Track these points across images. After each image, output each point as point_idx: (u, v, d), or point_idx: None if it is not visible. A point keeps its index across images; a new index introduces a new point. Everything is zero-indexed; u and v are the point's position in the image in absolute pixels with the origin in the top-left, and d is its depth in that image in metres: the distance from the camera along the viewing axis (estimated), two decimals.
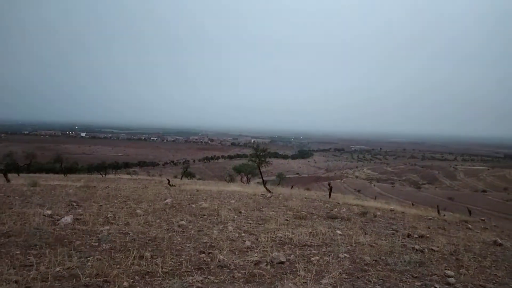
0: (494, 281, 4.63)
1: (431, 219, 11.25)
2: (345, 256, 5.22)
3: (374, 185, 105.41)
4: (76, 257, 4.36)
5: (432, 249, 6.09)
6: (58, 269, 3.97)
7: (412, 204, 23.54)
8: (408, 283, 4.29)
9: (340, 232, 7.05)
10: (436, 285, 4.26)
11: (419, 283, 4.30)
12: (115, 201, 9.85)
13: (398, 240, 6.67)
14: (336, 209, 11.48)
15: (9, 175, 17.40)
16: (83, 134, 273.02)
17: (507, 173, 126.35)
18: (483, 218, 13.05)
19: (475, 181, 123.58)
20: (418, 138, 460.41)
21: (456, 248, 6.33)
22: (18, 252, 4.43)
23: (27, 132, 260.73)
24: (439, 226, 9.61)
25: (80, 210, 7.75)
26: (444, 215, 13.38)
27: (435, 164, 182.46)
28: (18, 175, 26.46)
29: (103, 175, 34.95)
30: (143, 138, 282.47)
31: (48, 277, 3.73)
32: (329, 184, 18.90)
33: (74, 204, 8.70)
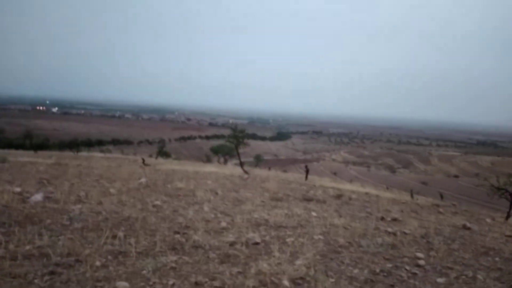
0: (461, 263, 4.77)
1: (405, 203, 11.53)
2: (319, 238, 5.28)
3: (350, 168, 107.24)
4: (46, 236, 4.24)
5: (404, 232, 6.23)
6: (28, 247, 3.85)
7: (387, 187, 24.08)
8: (379, 264, 4.38)
9: (315, 214, 7.12)
10: (407, 267, 4.36)
11: (390, 265, 4.39)
12: (88, 179, 9.66)
13: (372, 223, 6.79)
14: (312, 191, 11.60)
15: None
16: (54, 110, 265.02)
17: (479, 159, 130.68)
18: (454, 203, 13.48)
19: (448, 166, 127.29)
20: (396, 122, 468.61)
21: (427, 231, 6.49)
22: None
23: None
24: (412, 209, 9.86)
25: (51, 188, 7.55)
26: (417, 199, 13.73)
27: (411, 148, 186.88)
28: None
29: (75, 153, 34.24)
30: (117, 115, 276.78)
31: (17, 256, 3.61)
32: (305, 167, 19.08)
33: (45, 181, 8.48)
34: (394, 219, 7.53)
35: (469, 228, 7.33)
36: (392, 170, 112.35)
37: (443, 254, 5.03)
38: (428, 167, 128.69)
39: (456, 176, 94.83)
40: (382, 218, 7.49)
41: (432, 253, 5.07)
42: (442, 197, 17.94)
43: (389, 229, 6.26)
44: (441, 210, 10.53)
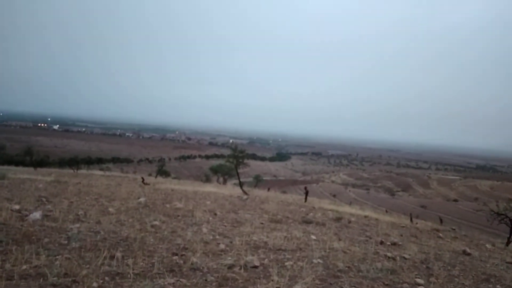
0: None
1: (404, 226, 11.46)
2: (318, 262, 5.23)
3: (349, 190, 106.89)
4: (44, 255, 4.20)
5: (404, 257, 6.18)
6: (24, 267, 3.82)
7: (386, 211, 23.95)
8: None
9: (314, 237, 7.08)
10: None
11: None
12: (87, 198, 9.63)
13: (371, 247, 6.74)
14: (311, 213, 11.55)
15: None
16: (55, 127, 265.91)
17: (478, 183, 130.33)
18: (453, 227, 13.39)
19: (448, 190, 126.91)
20: (394, 145, 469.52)
21: (427, 257, 6.44)
22: None
23: None
24: (412, 234, 9.79)
25: (50, 206, 7.52)
26: (417, 223, 13.65)
27: (410, 172, 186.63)
28: None
29: (75, 170, 34.20)
30: (118, 133, 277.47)
31: (14, 276, 3.58)
32: (305, 188, 19.03)
33: (44, 199, 8.46)
34: (394, 244, 7.48)
35: (469, 254, 7.28)
36: (392, 193, 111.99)
37: (444, 280, 4.98)
38: (427, 191, 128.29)
39: (455, 200, 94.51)
40: (382, 242, 7.44)
41: (432, 279, 5.03)
42: (441, 221, 17.83)
43: (389, 254, 6.22)
44: (440, 234, 10.47)
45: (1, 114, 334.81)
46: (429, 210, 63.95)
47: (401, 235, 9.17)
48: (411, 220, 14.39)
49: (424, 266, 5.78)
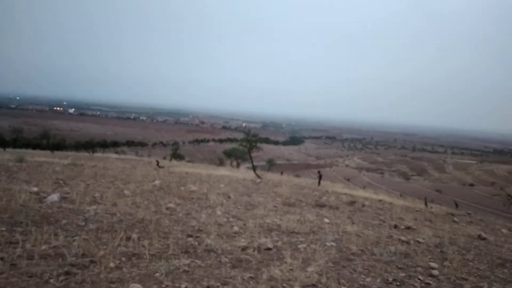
0: (476, 274, 4.69)
1: (418, 211, 11.39)
2: (331, 245, 5.25)
3: (363, 174, 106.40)
4: (62, 236, 4.31)
5: (417, 240, 6.16)
6: (44, 247, 3.92)
7: (400, 195, 23.82)
8: (392, 273, 4.33)
9: (327, 221, 7.09)
10: (420, 277, 4.31)
11: (404, 274, 4.35)
12: (103, 180, 9.78)
13: (385, 231, 6.73)
14: (324, 197, 11.55)
15: None
16: (71, 111, 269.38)
17: (495, 168, 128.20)
18: (469, 212, 13.24)
19: (464, 174, 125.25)
20: (410, 129, 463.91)
21: (441, 241, 6.40)
22: (3, 229, 4.37)
23: (14, 106, 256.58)
24: (426, 218, 9.73)
25: (67, 189, 7.67)
26: (431, 207, 13.54)
27: (425, 156, 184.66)
28: (4, 149, 26.17)
29: (91, 153, 34.71)
30: (132, 117, 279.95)
31: (34, 255, 3.68)
32: (318, 172, 19.00)
33: (61, 182, 8.62)
34: (408, 228, 7.45)
35: (484, 239, 7.21)
36: (406, 177, 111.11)
37: (458, 265, 4.95)
38: (443, 175, 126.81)
39: (471, 185, 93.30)
40: (396, 226, 7.42)
41: (446, 263, 5.00)
42: (457, 205, 17.65)
43: (403, 238, 6.20)
44: (455, 219, 10.37)
45: (18, 98, 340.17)
46: (445, 194, 63.37)
47: (416, 219, 9.12)
48: (425, 204, 14.28)
49: (438, 250, 5.75)
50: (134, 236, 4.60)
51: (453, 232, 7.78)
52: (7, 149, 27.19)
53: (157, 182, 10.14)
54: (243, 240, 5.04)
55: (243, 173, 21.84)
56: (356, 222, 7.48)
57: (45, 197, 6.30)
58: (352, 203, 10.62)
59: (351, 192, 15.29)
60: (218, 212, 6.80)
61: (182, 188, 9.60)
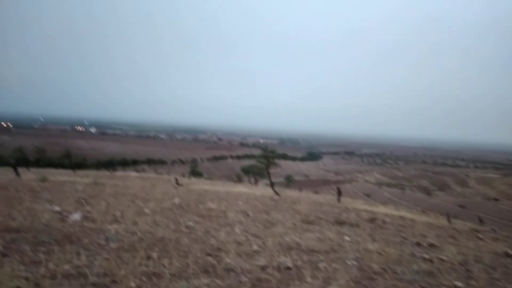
0: None
1: (441, 227, 11.12)
2: (353, 263, 5.17)
3: (383, 190, 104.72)
4: (84, 256, 4.37)
5: (441, 258, 6.01)
6: (66, 267, 3.98)
7: (422, 211, 23.35)
8: None
9: (348, 238, 7.00)
10: None
11: None
12: (123, 199, 9.90)
13: (407, 248, 6.60)
14: (344, 214, 11.41)
15: (19, 170, 17.61)
16: (92, 130, 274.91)
17: None
18: (494, 228, 12.86)
19: (487, 189, 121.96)
20: (431, 143, 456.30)
21: (466, 258, 6.24)
22: (27, 249, 4.46)
23: (37, 126, 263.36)
24: (449, 235, 9.49)
25: (89, 208, 7.80)
26: (455, 224, 13.23)
27: (447, 170, 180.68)
28: (28, 169, 26.79)
29: (112, 172, 35.23)
30: (151, 135, 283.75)
31: (57, 275, 3.74)
32: (337, 188, 18.81)
33: (83, 201, 8.76)
34: (431, 245, 7.28)
35: (511, 256, 6.98)
36: (428, 192, 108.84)
37: (484, 284, 4.81)
38: (466, 190, 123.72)
39: (495, 199, 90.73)
40: (418, 244, 7.26)
41: (472, 282, 4.86)
42: (481, 221, 17.18)
43: (426, 255, 6.06)
44: (480, 235, 10.08)
45: (42, 119, 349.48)
46: (468, 209, 61.78)
47: (438, 236, 8.91)
48: (448, 220, 13.95)
49: (463, 268, 5.59)
50: (154, 255, 4.63)
51: (478, 249, 7.57)
52: (31, 169, 27.86)
53: (176, 200, 10.21)
54: (263, 259, 5.01)
55: (261, 190, 21.80)
56: (377, 239, 7.36)
57: (67, 216, 6.41)
58: (372, 220, 10.46)
59: (372, 208, 15.06)
60: (237, 230, 6.79)
61: (201, 206, 9.63)
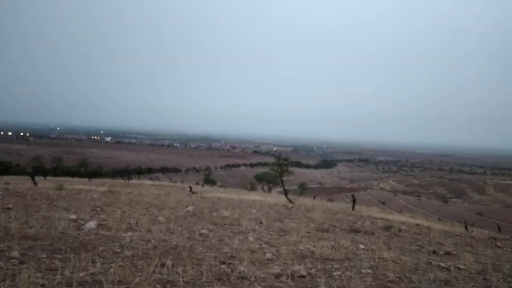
0: None
1: (458, 235, 10.93)
2: (368, 272, 5.11)
3: (399, 197, 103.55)
4: (99, 263, 4.40)
5: (458, 267, 5.90)
6: (82, 274, 4.01)
7: (439, 218, 22.98)
8: None
9: (363, 247, 6.92)
10: None
11: None
12: (138, 207, 9.98)
13: (423, 257, 6.49)
14: (359, 222, 11.31)
15: (36, 178, 17.91)
16: (108, 139, 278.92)
17: None
18: None
19: (506, 196, 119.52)
20: (447, 149, 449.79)
21: (484, 267, 6.11)
22: (44, 256, 4.52)
23: (54, 136, 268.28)
24: (467, 243, 9.32)
25: (104, 216, 7.88)
26: (472, 231, 12.98)
27: (464, 177, 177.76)
28: (45, 178, 27.24)
29: (126, 180, 35.60)
30: (166, 144, 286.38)
31: (73, 282, 3.77)
32: (352, 196, 18.66)
33: (98, 209, 8.86)
34: (448, 253, 7.15)
35: None
36: (444, 199, 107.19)
37: None
38: (483, 197, 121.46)
39: None
40: (435, 252, 7.14)
41: None
42: (499, 229, 16.80)
43: (442, 264, 5.96)
44: (499, 243, 9.87)
45: (58, 128, 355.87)
46: (486, 217, 60.64)
47: (456, 244, 8.76)
48: (466, 228, 13.71)
49: (481, 277, 5.48)
50: (169, 263, 4.64)
51: (497, 258, 7.41)
52: (48, 177, 28.34)
53: (190, 208, 10.25)
54: (276, 267, 4.99)
55: (275, 197, 21.75)
56: (392, 248, 7.26)
57: (83, 224, 6.49)
58: (388, 228, 10.33)
59: (387, 216, 14.89)
60: (251, 238, 6.78)
61: (215, 214, 9.65)
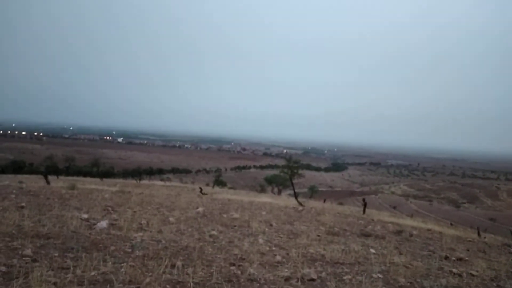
0: None
1: (471, 241, 10.78)
2: (378, 277, 5.06)
3: (410, 202, 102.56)
4: (110, 262, 4.44)
5: (471, 273, 5.82)
6: (93, 273, 4.05)
7: (451, 224, 22.72)
8: None
9: (373, 251, 6.86)
10: None
11: None
12: (149, 207, 10.04)
13: (435, 262, 6.41)
14: (370, 226, 11.22)
15: (49, 177, 18.13)
16: (120, 140, 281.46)
17: None
18: None
19: None
20: (459, 154, 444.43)
21: (497, 274, 6.01)
22: (56, 255, 4.57)
23: (67, 136, 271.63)
24: (479, 249, 9.19)
25: (115, 215, 7.94)
26: (485, 237, 12.80)
27: (476, 182, 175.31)
28: (58, 177, 27.57)
29: (138, 181, 35.86)
30: (177, 145, 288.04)
31: (84, 281, 3.81)
32: (363, 200, 18.54)
33: (110, 209, 8.94)
34: (460, 259, 7.06)
35: None
36: (456, 205, 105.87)
37: None
38: (496, 203, 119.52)
39: None
40: (446, 257, 7.05)
41: None
42: None
43: (454, 270, 5.87)
44: None
45: (71, 128, 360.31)
46: (499, 223, 59.76)
47: (468, 250, 8.64)
48: (478, 234, 13.52)
49: (495, 284, 5.39)
50: (179, 263, 4.66)
51: (510, 264, 7.28)
52: (60, 177, 28.68)
53: (200, 209, 10.28)
54: (286, 270, 4.97)
55: (285, 200, 21.69)
56: (403, 252, 7.19)
57: (94, 224, 6.55)
58: (399, 232, 10.24)
59: (398, 220, 14.75)
60: (260, 241, 6.77)
61: (225, 216, 9.67)
